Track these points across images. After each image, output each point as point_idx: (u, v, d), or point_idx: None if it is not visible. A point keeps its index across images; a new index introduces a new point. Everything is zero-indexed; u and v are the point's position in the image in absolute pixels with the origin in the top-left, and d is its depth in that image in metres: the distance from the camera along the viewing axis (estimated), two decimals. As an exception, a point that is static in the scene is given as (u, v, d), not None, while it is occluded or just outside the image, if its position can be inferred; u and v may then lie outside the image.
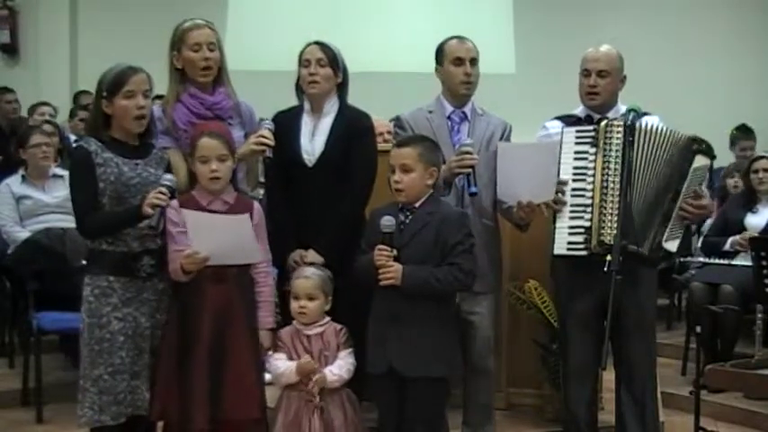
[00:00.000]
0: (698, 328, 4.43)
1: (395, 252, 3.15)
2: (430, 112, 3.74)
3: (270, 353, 3.38)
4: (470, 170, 3.47)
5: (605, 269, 3.21)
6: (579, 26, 8.10)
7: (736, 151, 7.17)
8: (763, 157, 5.59)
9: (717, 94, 8.07)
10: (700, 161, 3.43)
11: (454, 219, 3.27)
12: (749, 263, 4.91)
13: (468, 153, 3.47)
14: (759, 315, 4.18)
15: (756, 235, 5.15)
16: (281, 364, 3.34)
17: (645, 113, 3.58)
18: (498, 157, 3.51)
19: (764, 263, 4.68)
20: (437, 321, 3.22)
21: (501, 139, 3.71)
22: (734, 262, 5.33)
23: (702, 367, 3.88)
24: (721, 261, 5.38)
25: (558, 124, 3.64)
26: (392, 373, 3.18)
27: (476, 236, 3.34)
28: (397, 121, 3.77)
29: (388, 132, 3.79)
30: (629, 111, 3.45)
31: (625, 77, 3.68)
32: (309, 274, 3.34)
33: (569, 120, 3.66)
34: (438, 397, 3.27)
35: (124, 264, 3.17)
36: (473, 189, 3.48)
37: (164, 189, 3.11)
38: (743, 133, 7.24)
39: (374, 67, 7.51)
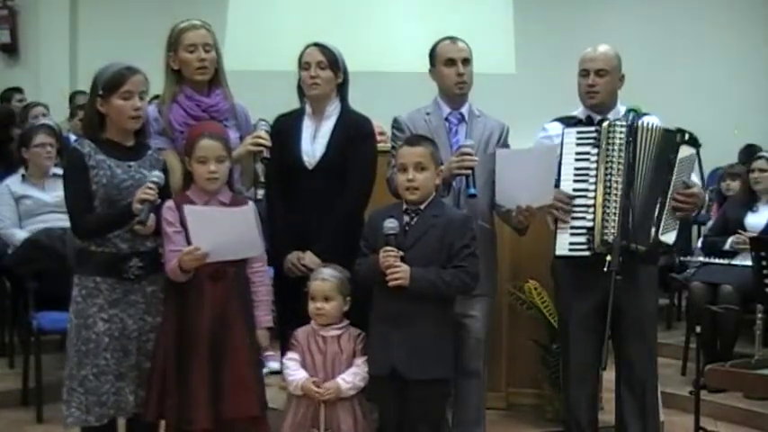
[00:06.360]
0: (698, 328, 4.43)
1: (401, 253, 3.14)
2: (427, 113, 3.72)
3: (270, 351, 3.37)
4: (470, 171, 3.45)
5: (605, 269, 3.23)
6: (580, 26, 8.09)
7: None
8: (760, 157, 5.59)
9: (719, 94, 8.05)
10: (684, 152, 3.43)
11: (460, 222, 3.26)
12: (749, 263, 4.91)
13: (468, 154, 3.47)
14: (759, 315, 4.16)
15: (756, 235, 5.15)
16: (292, 371, 3.31)
17: (645, 114, 3.58)
18: (497, 164, 3.48)
19: (764, 263, 4.68)
20: (439, 323, 3.22)
21: (499, 140, 3.70)
22: (734, 262, 5.33)
23: (702, 367, 3.88)
24: (721, 261, 5.38)
25: (557, 126, 3.64)
26: (394, 374, 3.18)
27: (472, 238, 3.32)
28: (395, 123, 3.75)
29: (381, 134, 3.77)
30: (629, 111, 3.47)
31: (623, 76, 3.68)
32: (326, 276, 3.31)
33: (569, 121, 3.65)
34: (440, 397, 3.28)
35: (112, 265, 3.16)
36: (472, 190, 3.46)
37: (151, 184, 3.09)
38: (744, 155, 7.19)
39: (374, 67, 7.51)
